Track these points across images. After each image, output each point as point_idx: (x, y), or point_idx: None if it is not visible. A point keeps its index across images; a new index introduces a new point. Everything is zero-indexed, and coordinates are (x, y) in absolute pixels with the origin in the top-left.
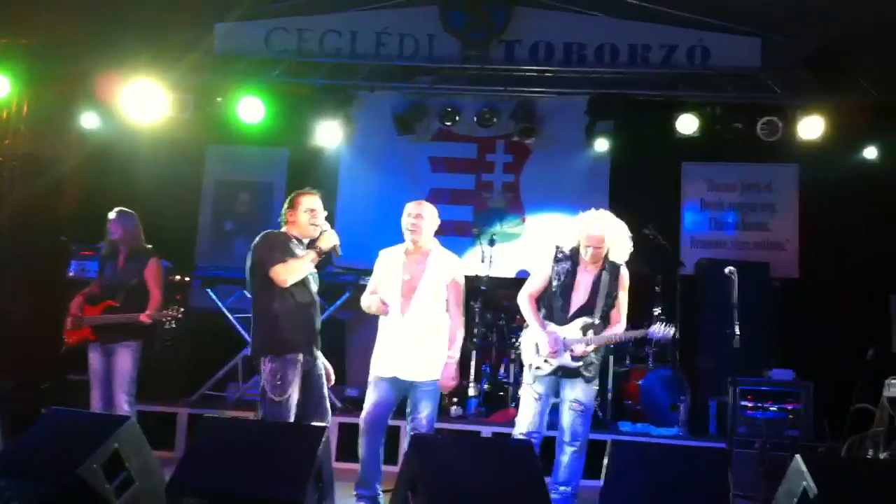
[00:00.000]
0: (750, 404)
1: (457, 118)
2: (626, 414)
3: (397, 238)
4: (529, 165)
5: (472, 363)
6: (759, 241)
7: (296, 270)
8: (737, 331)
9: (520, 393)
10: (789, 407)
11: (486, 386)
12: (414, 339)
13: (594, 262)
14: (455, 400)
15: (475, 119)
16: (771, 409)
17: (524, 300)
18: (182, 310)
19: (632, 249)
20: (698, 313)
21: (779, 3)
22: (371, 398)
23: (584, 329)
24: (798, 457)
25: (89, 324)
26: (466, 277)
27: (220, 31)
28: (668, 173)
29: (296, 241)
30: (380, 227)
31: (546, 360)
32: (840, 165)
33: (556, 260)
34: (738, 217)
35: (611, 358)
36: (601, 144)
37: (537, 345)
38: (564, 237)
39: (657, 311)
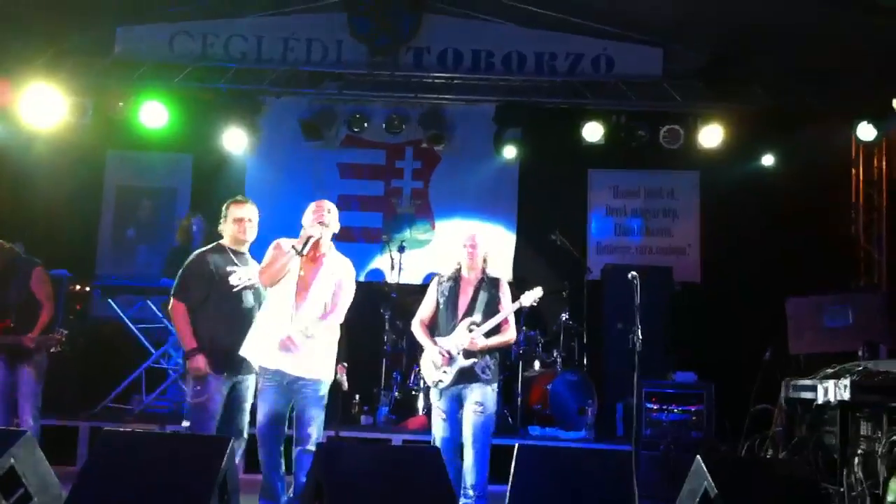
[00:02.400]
0: (655, 406)
1: (365, 124)
2: (535, 418)
3: None
4: (438, 172)
5: (382, 370)
6: (662, 247)
7: None
8: (639, 335)
9: (432, 416)
10: (692, 409)
11: (396, 393)
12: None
13: (473, 271)
14: (366, 408)
15: (384, 125)
16: (675, 410)
17: (416, 327)
18: (65, 332)
19: (507, 261)
20: (604, 318)
21: (678, 13)
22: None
23: (469, 327)
24: (699, 457)
25: None
26: (375, 283)
27: (121, 35)
28: (575, 180)
29: (229, 252)
30: (287, 233)
31: (444, 371)
32: (739, 172)
33: (440, 284)
34: (642, 223)
35: (520, 363)
36: (509, 151)
37: (433, 361)
38: (446, 266)
39: (565, 316)
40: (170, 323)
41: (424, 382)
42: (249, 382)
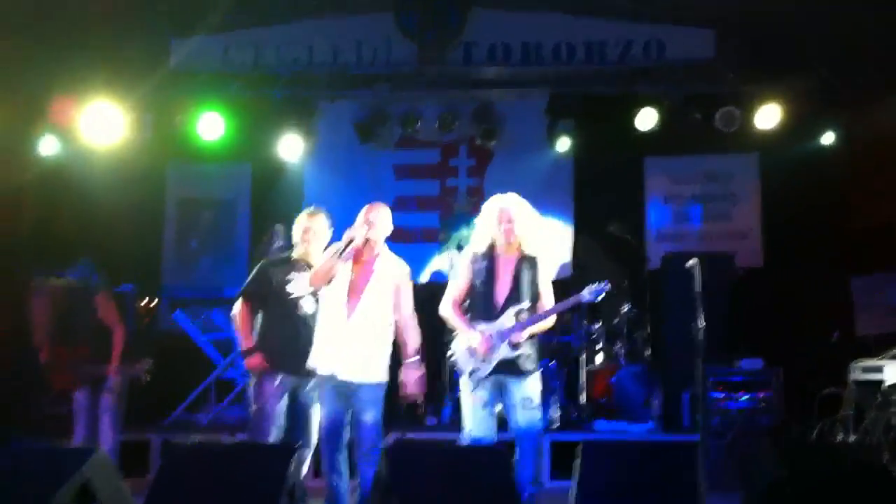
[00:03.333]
0: (721, 395)
1: (418, 123)
2: (600, 412)
3: None
4: (493, 168)
5: (446, 370)
6: (722, 232)
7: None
8: (701, 322)
9: (462, 403)
10: (760, 395)
11: (459, 393)
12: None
13: (510, 251)
14: (430, 408)
15: (436, 124)
16: (742, 398)
17: (447, 308)
18: (150, 360)
19: (544, 240)
20: (666, 307)
21: None
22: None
23: (517, 315)
24: (769, 443)
25: (72, 368)
26: (436, 284)
27: (176, 48)
28: (631, 169)
29: (293, 262)
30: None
31: (483, 360)
32: (799, 152)
33: (473, 262)
34: (701, 209)
35: (582, 357)
36: (563, 143)
37: (470, 347)
38: (477, 241)
39: (626, 307)
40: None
41: (454, 369)
42: (312, 388)
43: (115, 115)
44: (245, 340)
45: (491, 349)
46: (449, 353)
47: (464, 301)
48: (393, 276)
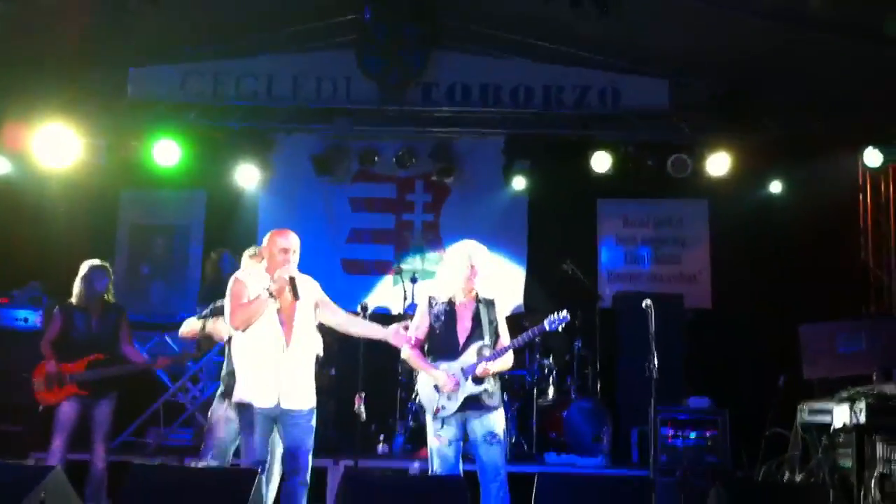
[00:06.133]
0: (670, 432)
1: (375, 159)
2: (551, 446)
3: (318, 279)
4: (449, 204)
5: (398, 400)
6: (672, 274)
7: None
8: (655, 362)
9: (429, 445)
10: (707, 434)
11: (411, 423)
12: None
13: (468, 295)
14: (381, 437)
15: (394, 160)
16: (690, 436)
17: (408, 351)
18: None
19: (499, 282)
20: (617, 345)
21: (685, 44)
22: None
23: (479, 351)
24: (717, 485)
25: (78, 379)
26: (390, 316)
27: (133, 76)
28: (585, 210)
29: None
30: (301, 268)
31: (449, 397)
32: (747, 199)
33: (431, 306)
34: (651, 251)
35: (534, 391)
36: (519, 183)
37: (435, 386)
38: (442, 287)
39: (578, 343)
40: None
41: (419, 409)
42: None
43: (69, 139)
44: None
45: (456, 385)
46: (414, 394)
47: (423, 344)
48: (312, 296)
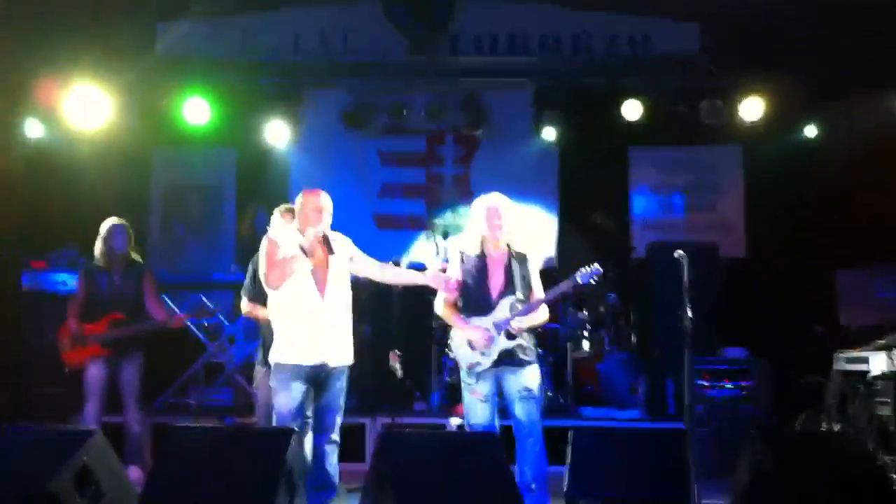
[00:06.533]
0: (706, 383)
1: (405, 112)
2: (587, 398)
3: (350, 234)
4: (479, 157)
5: (433, 356)
6: (706, 222)
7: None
8: (689, 313)
9: (464, 398)
10: (744, 384)
11: (448, 378)
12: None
13: (499, 249)
14: (417, 394)
15: (423, 113)
16: (727, 386)
17: (441, 306)
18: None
19: (531, 237)
20: (651, 296)
21: None
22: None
23: (512, 307)
24: (753, 432)
25: (100, 339)
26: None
27: (162, 32)
28: (616, 159)
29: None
30: (333, 224)
31: (483, 353)
32: (782, 144)
33: (463, 262)
34: (685, 199)
35: (569, 345)
36: (549, 133)
37: (469, 341)
38: (467, 241)
39: (612, 295)
40: (223, 316)
41: (454, 365)
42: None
43: (100, 99)
44: None
45: (489, 341)
46: (448, 350)
47: (457, 300)
48: (345, 251)
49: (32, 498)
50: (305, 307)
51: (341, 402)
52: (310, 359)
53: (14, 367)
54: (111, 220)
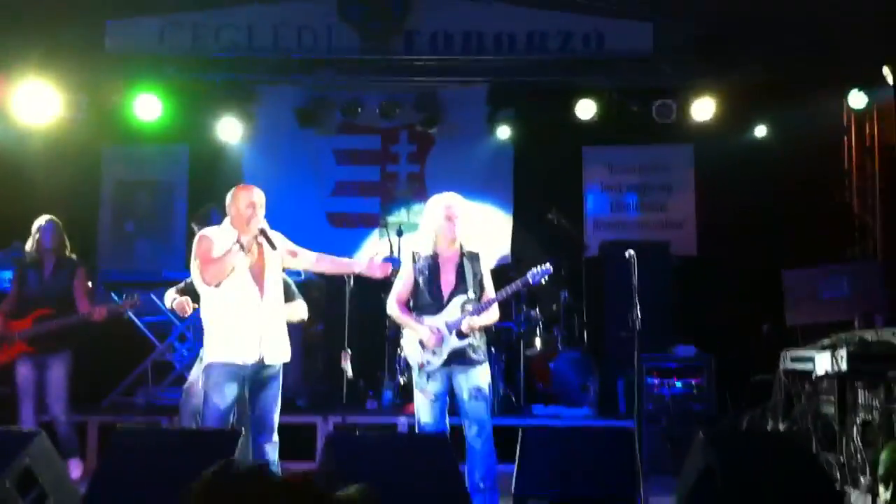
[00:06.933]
0: (656, 381)
1: (359, 110)
2: (538, 397)
3: (304, 233)
4: (434, 155)
5: (385, 355)
6: (658, 221)
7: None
8: (638, 312)
9: (415, 398)
10: (694, 382)
11: (400, 378)
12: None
13: (451, 248)
14: (370, 392)
15: (378, 110)
16: (676, 384)
17: (393, 306)
18: (137, 296)
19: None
20: (603, 295)
21: None
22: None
23: (463, 306)
24: (701, 432)
25: (26, 336)
26: None
27: (111, 29)
28: (570, 158)
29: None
30: (286, 222)
31: (433, 353)
32: (733, 144)
33: (415, 261)
34: (637, 198)
35: (521, 343)
36: (503, 131)
37: (420, 341)
38: (420, 242)
39: (564, 294)
40: (172, 314)
41: (406, 365)
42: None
43: (49, 95)
44: None
45: (440, 340)
46: (400, 349)
47: (408, 299)
48: (283, 247)
49: None
50: (244, 304)
51: (279, 400)
52: (249, 357)
53: None
54: (43, 217)
